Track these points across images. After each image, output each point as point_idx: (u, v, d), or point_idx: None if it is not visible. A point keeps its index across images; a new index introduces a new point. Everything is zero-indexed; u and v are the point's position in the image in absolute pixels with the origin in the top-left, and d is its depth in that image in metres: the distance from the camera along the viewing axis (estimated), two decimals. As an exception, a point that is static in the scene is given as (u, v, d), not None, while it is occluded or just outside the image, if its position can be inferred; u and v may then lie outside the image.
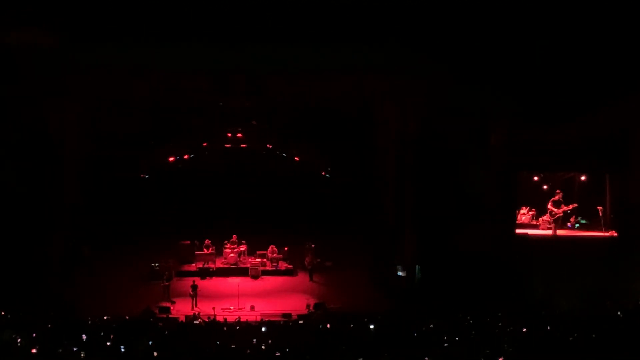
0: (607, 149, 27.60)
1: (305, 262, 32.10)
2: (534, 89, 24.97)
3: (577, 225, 29.23)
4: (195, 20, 23.23)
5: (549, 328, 18.29)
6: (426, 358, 12.53)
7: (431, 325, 20.43)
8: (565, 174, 29.60)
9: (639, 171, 26.56)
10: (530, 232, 29.17)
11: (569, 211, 28.99)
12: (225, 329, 21.65)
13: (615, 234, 28.23)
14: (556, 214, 28.93)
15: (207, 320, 24.08)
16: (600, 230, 28.59)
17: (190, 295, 27.29)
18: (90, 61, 24.78)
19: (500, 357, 12.88)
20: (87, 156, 31.91)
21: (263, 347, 16.72)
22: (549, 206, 29.04)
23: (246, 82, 28.34)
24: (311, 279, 31.49)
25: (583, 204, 29.20)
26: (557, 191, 29.02)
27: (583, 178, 29.21)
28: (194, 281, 27.96)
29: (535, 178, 29.77)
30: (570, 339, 15.62)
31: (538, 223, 29.38)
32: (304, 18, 23.23)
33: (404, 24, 23.94)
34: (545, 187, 29.85)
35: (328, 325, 21.42)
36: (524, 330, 17.92)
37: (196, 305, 27.02)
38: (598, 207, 28.69)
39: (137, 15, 22.89)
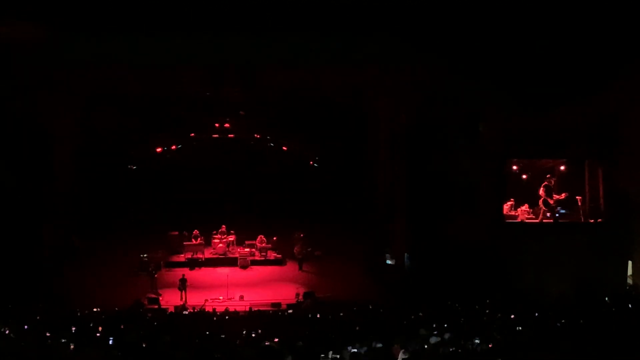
0: (597, 136, 27.66)
1: (295, 252, 32.13)
2: (523, 78, 24.99)
3: (556, 215, 29.19)
4: (186, 13, 23.14)
5: (537, 314, 18.38)
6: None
7: (420, 313, 20.51)
8: (546, 163, 29.56)
9: (628, 158, 26.62)
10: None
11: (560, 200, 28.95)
12: (215, 319, 21.67)
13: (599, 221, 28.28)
14: (550, 202, 28.78)
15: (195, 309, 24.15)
16: (580, 221, 28.61)
17: (179, 288, 27.19)
18: (80, 55, 24.68)
19: (489, 345, 12.91)
20: (77, 148, 31.82)
21: (253, 335, 16.73)
22: (541, 192, 28.89)
23: (237, 74, 28.25)
24: (300, 268, 31.53)
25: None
26: (548, 176, 28.86)
27: (562, 168, 29.16)
28: (183, 275, 27.87)
29: (515, 167, 29.61)
30: (558, 325, 15.69)
31: (517, 214, 29.21)
32: (295, 9, 23.17)
33: (395, 15, 23.92)
34: (524, 176, 29.79)
35: (318, 315, 21.47)
36: (512, 317, 18.01)
37: (186, 299, 26.89)
38: (577, 197, 28.70)
39: (127, 7, 22.80)
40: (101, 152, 33.22)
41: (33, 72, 25.73)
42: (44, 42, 23.64)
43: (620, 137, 26.97)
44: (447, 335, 13.25)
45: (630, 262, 26.67)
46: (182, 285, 27.11)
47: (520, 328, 15.62)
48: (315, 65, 26.72)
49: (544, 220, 28.61)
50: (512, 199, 29.08)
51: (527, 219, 28.85)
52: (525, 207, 29.09)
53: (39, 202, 28.69)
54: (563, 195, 28.51)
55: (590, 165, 28.63)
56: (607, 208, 27.97)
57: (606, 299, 20.08)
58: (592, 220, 28.30)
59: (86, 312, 22.60)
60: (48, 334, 15.23)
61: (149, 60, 25.26)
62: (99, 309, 23.34)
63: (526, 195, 29.24)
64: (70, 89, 29.29)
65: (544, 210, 28.64)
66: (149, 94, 31.04)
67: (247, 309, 24.52)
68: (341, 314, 21.74)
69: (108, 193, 34.31)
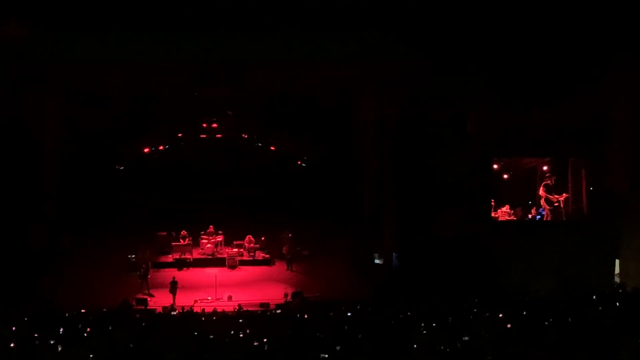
0: (584, 134, 27.72)
1: (284, 252, 32.10)
2: (511, 76, 25.07)
3: (537, 217, 29.19)
4: (172, 11, 23.11)
5: (525, 313, 18.42)
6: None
7: (409, 313, 20.51)
8: (528, 163, 29.59)
9: (615, 156, 26.71)
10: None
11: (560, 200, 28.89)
12: (203, 319, 21.62)
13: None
14: (553, 201, 28.68)
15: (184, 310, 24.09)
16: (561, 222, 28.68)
17: (170, 291, 27.04)
18: (66, 52, 24.61)
19: (477, 343, 12.94)
20: (64, 147, 31.70)
21: (241, 335, 16.70)
22: (542, 192, 28.84)
23: (224, 72, 28.20)
24: (289, 268, 31.46)
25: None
26: (547, 175, 28.80)
27: (545, 168, 29.16)
28: (173, 278, 27.66)
29: (495, 166, 29.59)
30: (546, 323, 15.73)
31: (496, 215, 29.20)
32: (282, 7, 23.19)
33: (382, 13, 23.96)
34: (505, 176, 29.81)
35: (306, 316, 21.44)
36: (501, 315, 18.04)
37: (175, 301, 26.76)
38: (559, 198, 28.73)
39: (114, 5, 22.75)
40: (89, 152, 33.11)
41: (17, 70, 25.64)
42: (28, 41, 23.56)
43: (607, 135, 27.04)
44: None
45: (617, 261, 26.77)
46: (173, 288, 26.95)
47: (508, 326, 15.66)
48: (303, 63, 26.74)
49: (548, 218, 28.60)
50: (492, 200, 29.06)
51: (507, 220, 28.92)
52: (505, 208, 29.13)
53: (26, 203, 28.57)
54: (564, 196, 28.46)
55: (573, 165, 28.67)
56: (590, 207, 28.04)
57: (594, 297, 20.12)
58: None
59: (74, 312, 22.49)
60: (36, 335, 15.17)
61: (135, 58, 25.21)
62: (86, 310, 23.23)
63: (506, 196, 29.27)
64: (56, 88, 29.17)
65: (548, 209, 28.63)
66: (136, 94, 30.98)
67: (236, 309, 24.47)
68: (330, 314, 21.71)
69: (96, 193, 34.17)
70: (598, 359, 10.31)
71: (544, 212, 28.98)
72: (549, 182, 28.66)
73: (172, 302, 26.36)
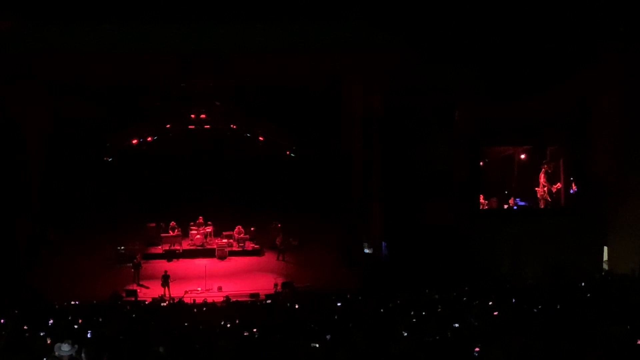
0: (569, 123, 27.80)
1: (277, 243, 32.05)
2: (497, 66, 25.12)
3: (514, 207, 29.13)
4: (158, 1, 23.04)
5: (513, 300, 18.50)
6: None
7: (398, 302, 20.57)
8: (504, 151, 29.58)
9: (600, 143, 26.81)
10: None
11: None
12: (195, 310, 21.64)
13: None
14: (552, 189, 28.52)
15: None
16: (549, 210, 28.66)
17: (162, 284, 26.96)
18: (51, 44, 24.52)
19: (466, 331, 12.99)
20: (50, 140, 31.59)
21: (228, 325, 16.73)
22: (543, 180, 28.68)
23: (210, 62, 28.11)
24: (281, 258, 31.45)
25: (521, 184, 29.27)
26: (545, 161, 28.75)
27: (523, 156, 29.09)
28: (165, 271, 27.57)
29: None
30: (535, 310, 15.80)
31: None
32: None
33: (368, 2, 23.96)
34: (481, 163, 29.73)
35: (296, 306, 21.48)
36: (490, 303, 18.11)
37: (170, 294, 26.69)
38: (536, 189, 28.68)
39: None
40: (76, 144, 32.99)
41: (4, 62, 25.52)
42: (12, 32, 23.45)
43: (592, 124, 27.12)
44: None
45: (605, 248, 26.91)
46: (165, 281, 26.87)
47: (497, 314, 15.72)
48: (289, 53, 26.71)
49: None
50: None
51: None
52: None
53: (13, 195, 28.47)
54: (559, 185, 28.42)
55: (552, 153, 28.67)
56: (574, 195, 28.06)
57: (582, 284, 20.23)
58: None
59: (64, 305, 22.48)
60: (25, 327, 15.15)
61: (120, 49, 25.11)
62: (76, 302, 23.22)
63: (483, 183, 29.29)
64: (41, 79, 29.01)
65: (547, 197, 28.53)
66: (123, 85, 30.85)
67: (225, 300, 24.49)
68: (320, 304, 21.76)
69: (84, 185, 34.09)
70: (586, 345, 10.37)
71: (522, 203, 28.89)
72: (548, 169, 28.49)
73: (163, 294, 26.33)
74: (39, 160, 30.62)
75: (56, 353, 10.95)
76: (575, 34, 24.27)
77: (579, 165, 28.03)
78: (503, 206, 29.09)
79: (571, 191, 28.68)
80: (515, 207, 28.98)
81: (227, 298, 24.20)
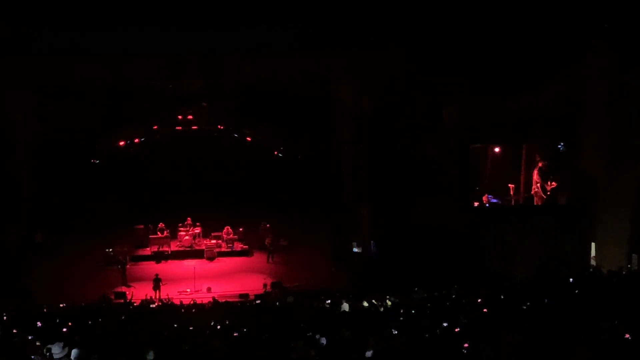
0: (558, 120, 27.85)
1: (266, 243, 32.00)
2: (485, 63, 25.17)
3: (487, 205, 29.06)
4: (146, 2, 22.98)
5: (502, 297, 18.56)
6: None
7: (388, 301, 20.60)
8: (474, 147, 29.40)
9: (588, 141, 26.89)
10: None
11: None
12: (183, 311, 21.62)
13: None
14: (546, 187, 28.32)
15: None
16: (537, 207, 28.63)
17: (154, 288, 26.81)
18: (38, 46, 24.40)
19: (456, 329, 13.03)
20: (38, 142, 31.52)
21: (218, 327, 16.72)
22: (536, 177, 28.53)
23: (198, 63, 28.07)
24: (270, 259, 31.37)
25: (496, 180, 29.13)
26: (538, 157, 28.51)
27: (497, 150, 28.90)
28: (156, 275, 27.30)
29: None
30: (524, 307, 15.86)
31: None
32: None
33: (356, 2, 23.98)
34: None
35: (285, 306, 21.49)
36: (479, 301, 18.16)
37: (160, 297, 26.60)
38: (510, 185, 28.61)
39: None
40: (64, 146, 32.95)
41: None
42: (2, 34, 23.36)
43: (580, 121, 27.19)
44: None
45: (593, 244, 27.00)
46: (157, 285, 26.75)
47: (486, 311, 15.77)
48: (277, 54, 26.65)
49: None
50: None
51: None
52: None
53: (0, 199, 28.35)
54: (554, 184, 28.30)
55: (527, 151, 28.61)
56: (564, 192, 28.04)
57: (570, 280, 20.30)
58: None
59: (53, 307, 22.41)
60: (15, 331, 15.10)
61: (107, 51, 25.01)
62: (65, 305, 23.15)
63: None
64: (28, 82, 28.93)
65: (541, 194, 28.40)
66: (111, 87, 30.82)
67: (213, 302, 24.49)
68: (309, 304, 21.77)
69: (72, 187, 34.04)
70: (575, 341, 10.42)
71: (494, 200, 28.74)
72: (542, 166, 28.34)
73: (153, 297, 26.23)
74: (27, 163, 30.53)
75: (47, 355, 10.93)
76: (563, 31, 24.35)
77: (565, 162, 28.03)
78: (474, 204, 28.87)
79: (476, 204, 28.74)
80: (487, 205, 28.86)
81: (215, 300, 24.15)
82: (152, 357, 11.29)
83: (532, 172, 28.68)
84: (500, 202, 28.78)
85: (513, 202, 28.70)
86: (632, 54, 24.68)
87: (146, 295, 25.49)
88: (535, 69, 25.32)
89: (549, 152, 28.37)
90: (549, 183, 28.19)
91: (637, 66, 24.85)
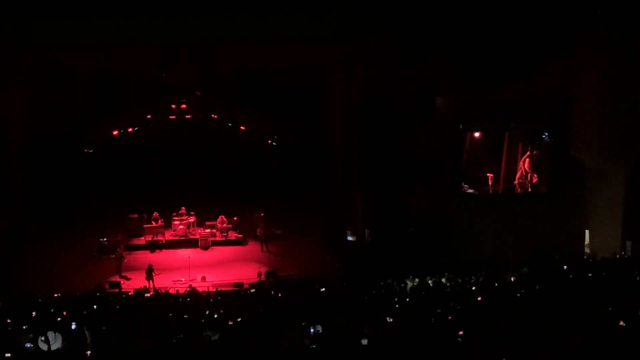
0: (549, 106, 27.78)
1: (258, 233, 32.00)
2: (476, 49, 25.13)
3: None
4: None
5: (496, 285, 18.61)
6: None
7: (382, 289, 20.64)
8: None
9: (580, 127, 26.88)
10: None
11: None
12: (180, 300, 21.64)
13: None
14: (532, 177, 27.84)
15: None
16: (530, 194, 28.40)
17: (147, 278, 26.65)
18: (29, 36, 24.29)
19: (449, 316, 13.06)
20: (31, 132, 31.45)
21: (215, 316, 16.73)
22: (527, 166, 28.14)
23: (189, 52, 28.00)
24: (264, 249, 31.34)
25: (474, 170, 28.08)
26: (530, 147, 27.71)
27: (477, 135, 28.34)
28: (150, 265, 27.19)
29: None
30: (518, 295, 15.89)
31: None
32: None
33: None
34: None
35: (279, 294, 21.51)
36: (473, 288, 18.21)
37: (154, 287, 26.55)
38: (488, 174, 27.78)
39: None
40: (57, 136, 32.89)
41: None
42: None
43: (572, 107, 27.17)
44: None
45: (587, 231, 27.06)
46: (149, 275, 26.69)
47: (480, 298, 15.81)
48: (269, 42, 26.61)
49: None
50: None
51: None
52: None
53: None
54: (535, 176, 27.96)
55: (510, 138, 28.28)
56: (554, 179, 27.85)
57: (564, 267, 20.36)
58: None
59: (47, 297, 22.38)
60: (9, 321, 15.09)
61: (98, 39, 24.91)
62: (59, 294, 23.13)
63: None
64: (18, 72, 28.82)
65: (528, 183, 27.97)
66: (102, 76, 30.75)
67: (209, 290, 24.50)
68: (304, 292, 21.79)
69: (65, 177, 33.99)
70: (569, 327, 10.45)
71: (470, 190, 28.09)
72: (534, 156, 27.95)
73: (148, 286, 26.21)
74: (19, 153, 30.46)
75: (40, 345, 10.93)
76: (555, 16, 24.33)
77: (557, 149, 27.91)
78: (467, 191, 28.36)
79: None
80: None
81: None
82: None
83: (520, 160, 28.23)
84: (476, 193, 28.20)
85: (491, 192, 27.62)
86: (622, 39, 24.68)
87: (143, 287, 25.48)
88: (527, 54, 25.29)
89: (538, 140, 28.11)
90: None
91: (628, 51, 24.86)
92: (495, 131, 27.74)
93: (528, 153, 27.47)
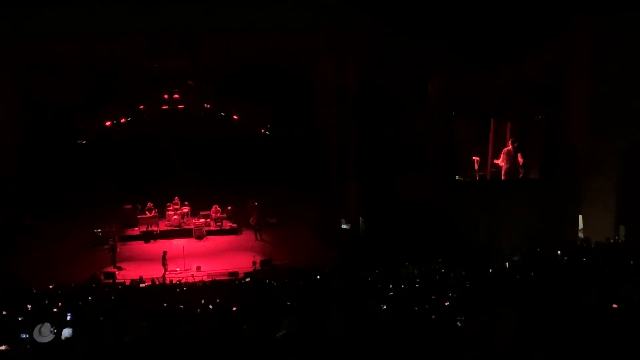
0: (542, 92, 27.78)
1: (251, 222, 32.02)
2: (469, 37, 25.11)
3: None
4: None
5: (490, 271, 18.65)
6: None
7: (377, 276, 20.66)
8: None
9: (573, 113, 26.92)
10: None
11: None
12: (177, 290, 21.65)
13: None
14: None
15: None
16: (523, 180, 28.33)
17: (162, 264, 26.80)
18: (18, 26, 24.18)
19: (445, 303, 13.08)
20: (23, 124, 31.35)
21: (210, 306, 16.74)
22: (520, 158, 27.92)
23: (182, 41, 27.89)
24: (259, 238, 31.38)
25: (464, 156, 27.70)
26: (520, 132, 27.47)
27: (466, 121, 28.14)
28: (164, 252, 27.20)
29: None
30: (512, 280, 15.93)
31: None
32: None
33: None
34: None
35: (274, 283, 21.53)
36: (468, 274, 18.25)
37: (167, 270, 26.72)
38: (474, 158, 27.31)
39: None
40: (49, 127, 32.80)
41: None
42: None
43: (565, 93, 27.18)
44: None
45: (580, 217, 27.12)
46: (164, 261, 26.77)
47: (475, 285, 15.84)
48: (261, 30, 26.52)
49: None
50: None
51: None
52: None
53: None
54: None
55: (496, 124, 28.17)
56: (548, 165, 27.80)
57: (558, 252, 20.41)
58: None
59: (42, 288, 22.38)
60: (4, 312, 15.08)
61: (89, 29, 24.80)
62: (54, 286, 23.13)
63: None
64: (9, 63, 28.67)
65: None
66: (94, 67, 30.61)
67: (205, 279, 24.53)
68: (300, 281, 21.82)
69: (58, 168, 33.91)
70: (563, 312, 10.47)
71: (457, 177, 27.81)
72: (516, 142, 27.82)
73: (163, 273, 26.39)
74: (11, 145, 30.36)
75: (35, 337, 10.91)
76: (547, 2, 24.32)
77: (549, 135, 27.87)
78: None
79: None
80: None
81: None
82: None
83: (509, 146, 28.01)
84: (461, 179, 27.95)
85: (478, 177, 27.23)
86: (615, 24, 24.70)
87: (141, 278, 25.51)
88: (519, 40, 25.27)
89: (532, 125, 28.06)
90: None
91: (621, 37, 24.88)
92: (485, 117, 27.63)
93: (514, 139, 27.25)
